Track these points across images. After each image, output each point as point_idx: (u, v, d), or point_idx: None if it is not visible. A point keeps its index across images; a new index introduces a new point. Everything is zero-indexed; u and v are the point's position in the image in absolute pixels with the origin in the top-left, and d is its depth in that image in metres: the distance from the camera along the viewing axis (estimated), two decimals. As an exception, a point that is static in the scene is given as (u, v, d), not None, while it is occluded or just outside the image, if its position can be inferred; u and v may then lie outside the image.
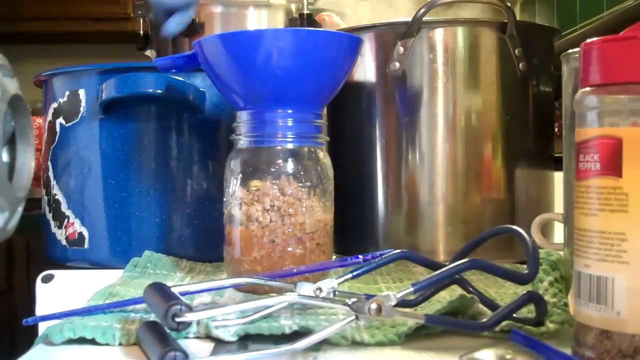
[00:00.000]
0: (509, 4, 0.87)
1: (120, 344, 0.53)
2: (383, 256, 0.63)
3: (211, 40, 0.71)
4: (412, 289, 0.52)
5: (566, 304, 0.57)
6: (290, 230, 0.68)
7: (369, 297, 0.51)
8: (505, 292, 0.67)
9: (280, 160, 0.69)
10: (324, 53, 0.70)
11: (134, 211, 0.86)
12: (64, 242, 0.89)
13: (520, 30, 0.86)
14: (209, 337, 0.54)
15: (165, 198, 0.86)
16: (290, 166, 0.68)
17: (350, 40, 0.72)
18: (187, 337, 0.55)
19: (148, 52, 1.31)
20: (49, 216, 0.91)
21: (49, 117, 0.91)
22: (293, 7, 1.22)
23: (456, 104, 0.85)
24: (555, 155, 0.90)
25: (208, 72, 0.72)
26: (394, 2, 1.01)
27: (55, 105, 0.90)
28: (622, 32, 0.47)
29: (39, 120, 1.04)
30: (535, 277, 0.55)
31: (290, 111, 0.69)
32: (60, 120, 0.89)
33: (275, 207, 0.68)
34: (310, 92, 0.70)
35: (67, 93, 0.89)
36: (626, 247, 0.43)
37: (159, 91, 0.83)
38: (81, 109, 0.88)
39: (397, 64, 0.86)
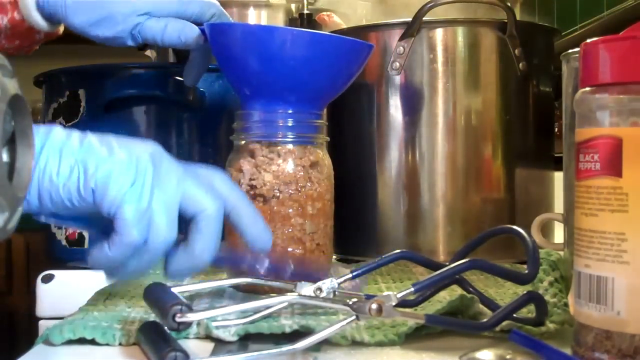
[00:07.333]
0: (509, 4, 0.87)
1: (120, 344, 0.53)
2: (383, 256, 0.63)
3: (221, 27, 0.71)
4: (412, 289, 0.52)
5: (566, 304, 0.57)
6: (290, 230, 0.68)
7: (369, 297, 0.51)
8: (505, 292, 0.67)
9: (280, 161, 0.69)
10: (337, 59, 0.69)
11: (134, 211, 0.86)
12: (64, 242, 0.89)
13: (520, 30, 0.86)
14: (209, 337, 0.54)
15: (165, 198, 0.86)
16: (290, 166, 0.68)
17: (362, 47, 0.71)
18: (187, 338, 0.55)
19: (148, 52, 1.31)
20: (49, 216, 0.91)
21: (49, 117, 0.91)
22: (293, 7, 1.22)
23: (456, 104, 0.85)
24: (555, 155, 0.90)
25: (216, 57, 0.72)
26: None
27: (55, 105, 0.90)
28: (622, 32, 0.47)
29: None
30: (535, 277, 0.55)
31: (290, 111, 0.69)
32: (60, 120, 0.89)
33: (275, 208, 0.68)
34: (311, 92, 0.70)
35: (67, 93, 0.89)
36: (626, 247, 0.43)
37: (158, 91, 0.83)
38: (81, 109, 0.88)
39: (397, 64, 0.86)
